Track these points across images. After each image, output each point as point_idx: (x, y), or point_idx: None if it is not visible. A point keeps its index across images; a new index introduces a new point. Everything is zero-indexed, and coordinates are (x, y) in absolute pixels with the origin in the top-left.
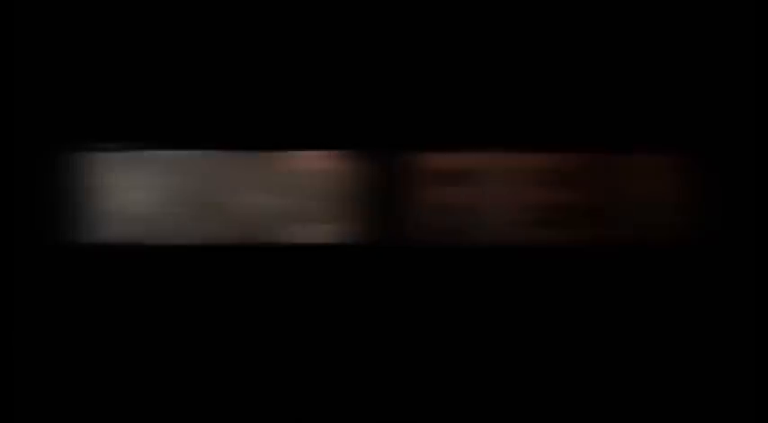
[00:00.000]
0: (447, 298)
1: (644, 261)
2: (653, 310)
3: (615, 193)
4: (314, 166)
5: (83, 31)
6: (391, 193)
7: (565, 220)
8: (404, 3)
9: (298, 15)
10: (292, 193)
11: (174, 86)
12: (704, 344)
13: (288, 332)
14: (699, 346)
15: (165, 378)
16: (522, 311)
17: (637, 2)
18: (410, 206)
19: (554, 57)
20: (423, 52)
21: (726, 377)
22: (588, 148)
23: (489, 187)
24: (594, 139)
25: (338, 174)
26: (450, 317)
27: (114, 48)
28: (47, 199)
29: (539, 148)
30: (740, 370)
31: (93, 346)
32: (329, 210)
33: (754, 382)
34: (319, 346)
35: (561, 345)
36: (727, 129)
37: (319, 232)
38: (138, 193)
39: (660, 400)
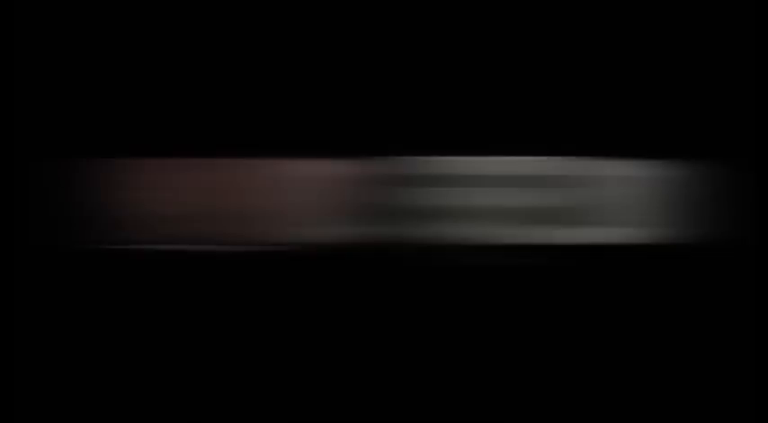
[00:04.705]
0: (440, 300)
1: (633, 263)
2: (644, 313)
3: (603, 196)
4: (315, 171)
5: (90, 37)
6: (385, 196)
7: (556, 221)
8: (391, 15)
9: (295, 25)
10: (294, 196)
11: (180, 93)
12: (695, 355)
13: (290, 333)
14: (692, 355)
15: (175, 384)
16: (517, 312)
17: (622, 17)
18: (404, 209)
19: (546, 59)
20: (417, 61)
21: (723, 380)
22: (581, 151)
23: (481, 190)
24: (587, 143)
25: (337, 178)
26: (449, 318)
27: (121, 54)
28: (56, 204)
29: (531, 151)
30: (738, 373)
31: (100, 351)
32: (329, 212)
33: (753, 384)
34: (320, 349)
35: (557, 346)
36: (723, 133)
37: (321, 234)
38: (148, 196)
39: (655, 402)
